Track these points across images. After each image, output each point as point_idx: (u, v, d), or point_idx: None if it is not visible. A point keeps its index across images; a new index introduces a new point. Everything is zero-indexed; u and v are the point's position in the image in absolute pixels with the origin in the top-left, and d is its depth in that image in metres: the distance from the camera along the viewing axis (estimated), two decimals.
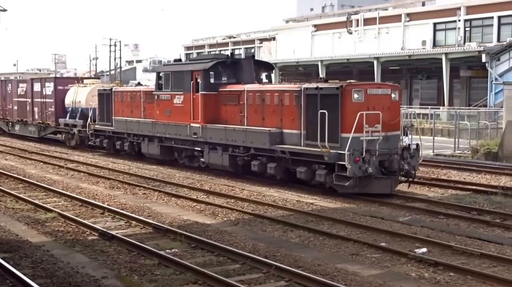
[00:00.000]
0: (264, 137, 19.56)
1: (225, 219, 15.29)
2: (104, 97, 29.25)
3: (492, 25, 48.63)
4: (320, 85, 18.26)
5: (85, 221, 14.43)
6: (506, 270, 10.90)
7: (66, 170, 24.25)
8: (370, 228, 14.05)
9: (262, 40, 72.92)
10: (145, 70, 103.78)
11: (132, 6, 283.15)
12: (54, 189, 19.28)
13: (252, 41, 74.42)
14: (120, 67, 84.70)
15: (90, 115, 29.92)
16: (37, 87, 37.19)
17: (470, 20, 50.15)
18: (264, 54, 68.23)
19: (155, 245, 12.38)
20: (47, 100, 35.90)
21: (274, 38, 68.71)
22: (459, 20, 50.11)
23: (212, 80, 22.35)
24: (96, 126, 29.80)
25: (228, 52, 77.05)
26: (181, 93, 23.21)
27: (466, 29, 50.16)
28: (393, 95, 18.09)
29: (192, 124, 22.72)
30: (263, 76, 23.38)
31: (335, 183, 17.47)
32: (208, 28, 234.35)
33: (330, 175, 17.56)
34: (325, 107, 17.60)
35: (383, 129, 17.56)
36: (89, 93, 32.03)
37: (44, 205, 16.48)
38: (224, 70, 22.60)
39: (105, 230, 13.38)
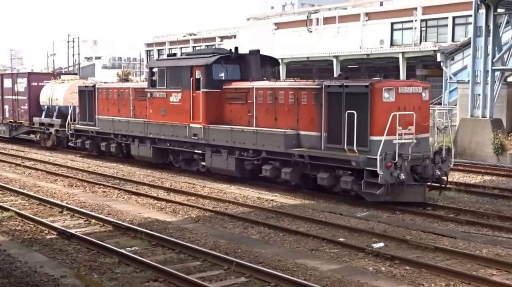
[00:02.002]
0: (279, 140, 17.87)
1: (186, 216, 15.33)
2: (86, 94, 27.01)
3: (447, 25, 49.61)
4: (346, 82, 16.65)
5: (43, 220, 14.31)
6: (459, 263, 11.22)
7: (23, 169, 23.92)
8: (329, 223, 14.28)
9: (223, 38, 72.85)
10: (105, 67, 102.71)
11: (91, 1, 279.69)
12: (11, 187, 19.02)
13: (213, 39, 74.23)
14: (79, 64, 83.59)
15: (70, 113, 27.84)
16: (7, 83, 34.66)
17: (426, 20, 51.05)
18: None
19: (115, 243, 12.36)
20: (19, 97, 33.40)
21: (235, 36, 68.77)
22: (416, 20, 50.99)
23: (214, 77, 20.39)
24: (77, 125, 27.66)
25: (189, 49, 77.11)
26: (179, 90, 21.28)
27: (422, 29, 51.06)
28: (423, 94, 16.57)
29: (191, 125, 20.88)
30: (269, 72, 21.32)
31: (364, 191, 15.85)
32: (170, 25, 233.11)
33: (358, 182, 15.99)
34: (351, 106, 16.04)
35: (416, 131, 16.15)
36: (68, 90, 29.97)
37: (0, 204, 16.23)
38: (227, 65, 20.63)
39: (64, 228, 13.30)
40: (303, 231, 13.53)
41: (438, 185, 16.89)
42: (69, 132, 28.06)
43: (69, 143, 28.93)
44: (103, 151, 26.38)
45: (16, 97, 33.78)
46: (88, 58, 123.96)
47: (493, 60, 23.32)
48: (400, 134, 15.72)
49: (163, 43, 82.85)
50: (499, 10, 23.50)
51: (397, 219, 14.97)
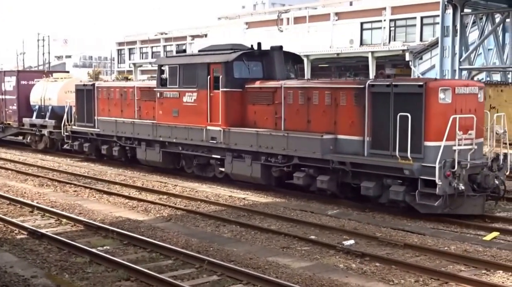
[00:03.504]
0: (314, 145, 16.23)
1: (158, 215, 15.32)
2: (84, 93, 25.12)
3: (415, 25, 50.30)
4: (395, 81, 15.28)
5: (13, 220, 14.16)
6: (428, 259, 11.41)
7: None
8: (300, 221, 14.39)
9: (194, 37, 72.72)
10: (75, 66, 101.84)
11: (61, 0, 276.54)
12: None
13: (184, 38, 74.10)
14: (49, 63, 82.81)
15: (66, 114, 25.86)
16: None
17: (395, 20, 51.69)
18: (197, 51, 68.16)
19: (87, 243, 12.30)
20: (7, 96, 31.28)
21: (206, 35, 68.72)
22: (384, 20, 51.60)
23: (236, 75, 18.69)
24: (73, 127, 25.71)
25: (160, 49, 76.88)
26: (194, 90, 19.51)
27: (391, 28, 51.68)
28: (479, 95, 15.03)
29: (209, 127, 19.12)
30: (292, 70, 19.88)
31: (419, 202, 14.30)
32: (141, 24, 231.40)
33: (411, 193, 14.48)
34: (401, 108, 14.50)
35: (476, 136, 14.69)
36: (62, 89, 28.05)
37: None
38: (249, 63, 18.98)
39: (34, 228, 13.19)
40: (274, 229, 13.62)
41: (494, 195, 15.08)
42: (65, 134, 26.11)
43: (65, 146, 27.39)
44: (103, 154, 24.55)
45: (3, 96, 31.63)
46: (59, 57, 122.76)
47: (460, 60, 23.70)
48: (460, 139, 14.21)
49: (134, 42, 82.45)
50: (465, 10, 23.88)
51: (367, 217, 15.14)
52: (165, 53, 74.70)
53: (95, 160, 25.82)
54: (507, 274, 10.47)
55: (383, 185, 15.09)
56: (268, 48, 19.15)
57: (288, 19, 59.70)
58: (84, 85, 25.89)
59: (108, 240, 12.66)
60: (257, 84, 18.50)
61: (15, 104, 30.78)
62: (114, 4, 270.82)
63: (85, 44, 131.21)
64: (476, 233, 13.38)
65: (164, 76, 20.94)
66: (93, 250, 11.58)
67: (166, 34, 78.30)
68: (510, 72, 25.40)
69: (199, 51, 20.72)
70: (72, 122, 25.93)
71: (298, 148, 16.68)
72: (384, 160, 14.84)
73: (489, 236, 13.04)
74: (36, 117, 29.36)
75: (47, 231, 13.11)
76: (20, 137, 32.12)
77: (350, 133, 15.82)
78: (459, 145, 14.17)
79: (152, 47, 76.32)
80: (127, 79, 27.60)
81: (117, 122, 23.19)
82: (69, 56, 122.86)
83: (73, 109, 25.95)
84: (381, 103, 15.05)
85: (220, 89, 18.69)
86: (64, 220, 14.40)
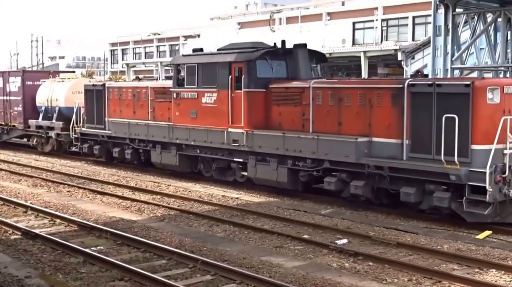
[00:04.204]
0: (348, 148, 15.34)
1: (151, 215, 15.33)
2: (94, 94, 24.24)
3: (407, 25, 50.47)
4: (438, 80, 14.47)
5: (7, 220, 14.15)
6: (421, 258, 11.46)
7: None
8: (293, 221, 14.44)
9: (187, 37, 72.67)
10: (68, 66, 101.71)
11: (54, 1, 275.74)
12: None
13: (177, 38, 74.04)
14: (42, 63, 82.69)
15: (75, 115, 25.13)
16: None
17: (387, 20, 51.83)
18: (189, 51, 68.17)
19: (80, 243, 12.30)
20: (11, 97, 30.32)
21: (199, 35, 68.69)
22: (377, 20, 51.73)
23: (259, 74, 17.92)
24: (83, 129, 24.81)
25: (153, 49, 76.78)
26: (214, 90, 18.68)
27: (383, 28, 51.83)
28: None
29: (230, 129, 18.32)
30: (316, 69, 19.03)
31: (467, 210, 13.42)
32: (134, 24, 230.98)
33: (457, 200, 13.60)
34: (445, 109, 13.68)
35: None
36: (70, 89, 27.20)
37: None
38: (273, 61, 18.23)
39: (28, 229, 13.19)
40: (268, 229, 13.66)
41: None
42: (74, 136, 25.20)
43: (73, 148, 26.38)
44: (114, 157, 23.70)
45: (7, 97, 30.66)
46: (52, 58, 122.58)
47: (452, 59, 23.75)
48: (511, 142, 13.37)
49: (127, 43, 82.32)
50: (457, 10, 23.93)
51: (360, 216, 15.19)
52: (158, 53, 74.66)
53: (88, 160, 25.75)
54: (500, 272, 10.53)
55: (425, 191, 14.20)
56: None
57: (280, 19, 59.77)
58: (93, 85, 24.94)
59: (101, 240, 12.66)
60: (283, 84, 17.71)
61: (20, 105, 29.89)
62: (107, 5, 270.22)
63: (78, 44, 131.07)
64: (468, 232, 13.44)
65: (181, 76, 20.07)
66: (87, 250, 11.59)
67: (159, 34, 78.21)
68: (502, 72, 25.49)
69: (217, 49, 19.86)
70: (81, 124, 25.08)
71: (329, 152, 15.80)
72: (427, 164, 13.93)
73: (481, 235, 13.11)
74: (43, 119, 28.47)
75: (41, 232, 13.10)
76: (25, 139, 31.30)
77: (387, 135, 14.97)
78: (510, 148, 13.35)
79: (145, 47, 76.21)
80: (138, 78, 26.64)
81: (130, 124, 22.28)
82: (63, 57, 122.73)
83: (82, 110, 25.11)
84: (422, 104, 14.20)
85: (243, 90, 17.87)
86: (57, 220, 14.39)
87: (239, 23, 65.28)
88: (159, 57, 70.56)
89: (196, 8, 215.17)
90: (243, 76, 17.86)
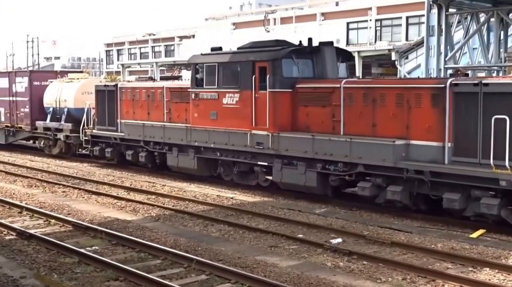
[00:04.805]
0: (385, 151, 14.54)
1: (146, 215, 15.35)
2: (106, 95, 23.40)
3: (400, 25, 50.62)
4: (484, 79, 13.70)
5: (2, 221, 14.14)
6: (415, 257, 11.51)
7: None
8: (288, 220, 14.47)
9: (182, 38, 72.68)
10: (64, 67, 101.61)
11: (50, 1, 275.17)
12: None
13: (172, 39, 74.01)
14: (38, 64, 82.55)
15: (85, 116, 24.33)
16: (3, 82, 30.62)
17: (381, 20, 51.97)
18: (184, 52, 68.14)
19: (75, 243, 12.31)
20: (18, 98, 29.45)
21: (194, 36, 68.71)
22: (370, 20, 51.85)
23: (285, 74, 17.15)
24: (94, 131, 24.01)
25: (148, 50, 76.72)
26: (236, 90, 17.91)
27: (377, 28, 51.95)
28: None
29: (254, 131, 17.54)
30: (343, 67, 18.33)
31: None
32: (129, 25, 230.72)
33: (508, 207, 12.92)
34: (493, 110, 12.89)
35: None
36: (79, 90, 26.40)
37: None
38: (299, 60, 17.46)
39: (23, 229, 13.19)
40: (262, 228, 13.69)
41: None
42: (84, 138, 24.39)
43: (83, 151, 25.48)
44: (127, 160, 22.81)
45: (14, 98, 29.74)
46: (48, 58, 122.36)
47: (446, 59, 23.81)
48: None
49: (123, 43, 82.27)
50: (450, 10, 23.99)
51: (354, 215, 15.23)
52: (153, 54, 74.62)
53: (83, 160, 25.69)
54: (494, 271, 10.58)
55: (469, 196, 13.44)
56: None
57: (274, 19, 59.87)
58: (105, 85, 24.04)
59: (96, 240, 12.67)
60: (310, 84, 16.94)
61: (27, 107, 29.02)
62: (102, 6, 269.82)
63: (73, 45, 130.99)
64: (462, 231, 13.49)
65: (199, 75, 19.21)
66: (82, 250, 11.59)
67: (154, 35, 78.15)
68: (495, 71, 25.59)
69: (238, 48, 19.15)
70: (91, 126, 24.32)
71: (364, 155, 14.99)
72: (474, 169, 13.16)
73: (475, 234, 13.15)
74: (51, 120, 27.58)
75: (35, 232, 13.10)
76: (31, 142, 30.67)
77: (427, 138, 14.18)
78: None
79: (140, 48, 76.17)
80: (152, 79, 25.82)
81: (145, 126, 21.39)
82: (58, 58, 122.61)
83: (92, 112, 24.41)
84: (466, 105, 13.42)
85: (268, 90, 17.10)
86: (52, 221, 14.40)
87: (233, 24, 65.33)
88: (154, 57, 70.54)
89: (191, 9, 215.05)
90: (267, 76, 17.12)
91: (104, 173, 22.43)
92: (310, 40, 17.86)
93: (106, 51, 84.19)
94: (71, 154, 26.92)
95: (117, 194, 18.10)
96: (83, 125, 24.44)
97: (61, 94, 27.14)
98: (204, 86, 18.93)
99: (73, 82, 27.42)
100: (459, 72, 15.07)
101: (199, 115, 19.19)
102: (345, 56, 18.63)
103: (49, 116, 27.71)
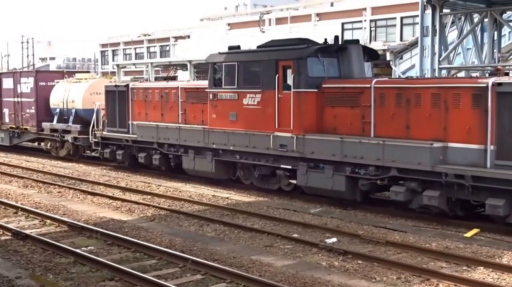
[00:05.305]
0: (421, 154, 13.78)
1: (142, 215, 15.36)
2: (116, 95, 22.62)
3: (395, 25, 50.77)
4: None
5: None
6: (410, 256, 11.57)
7: None
8: (283, 220, 14.51)
9: (177, 38, 72.68)
10: (59, 67, 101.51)
11: (45, 2, 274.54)
12: None
13: (167, 39, 73.99)
14: (33, 65, 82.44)
15: (95, 117, 23.74)
16: (7, 83, 29.94)
17: (375, 21, 52.10)
18: (179, 52, 68.16)
19: (71, 243, 12.33)
20: (23, 99, 28.70)
21: (189, 36, 68.72)
22: (365, 21, 51.97)
23: (310, 73, 16.38)
24: (104, 133, 23.36)
25: (143, 50, 76.68)
26: (258, 91, 17.19)
27: (372, 29, 52.08)
28: None
29: (277, 133, 16.81)
30: (369, 67, 17.64)
31: None
32: (124, 25, 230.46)
33: None
34: None
35: None
36: (87, 90, 25.66)
37: None
38: (325, 59, 16.70)
39: (18, 229, 13.19)
40: (257, 228, 13.73)
41: None
42: (93, 140, 23.74)
43: (92, 153, 24.93)
44: (140, 163, 22.05)
45: (19, 99, 29.01)
46: (43, 59, 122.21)
47: (440, 59, 23.88)
48: None
49: (118, 44, 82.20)
50: (444, 10, 24.06)
51: (349, 215, 15.28)
52: (148, 54, 74.58)
53: (79, 161, 25.67)
54: (488, 270, 10.63)
55: None
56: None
57: (270, 20, 59.93)
58: (115, 85, 23.39)
59: (92, 240, 12.69)
60: (338, 83, 16.22)
61: (33, 108, 28.17)
62: (97, 6, 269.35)
63: (68, 46, 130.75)
64: (457, 230, 13.54)
65: (217, 75, 18.48)
66: (77, 250, 11.61)
67: (149, 35, 78.12)
68: (489, 71, 25.71)
69: (257, 47, 18.43)
70: (101, 127, 23.70)
71: (398, 158, 14.23)
72: None
73: (469, 233, 13.21)
74: (58, 122, 26.81)
75: (31, 232, 13.11)
76: (36, 143, 30.09)
77: (466, 140, 13.43)
78: None
79: (135, 48, 76.13)
80: (167, 78, 24.64)
81: (159, 127, 20.58)
82: (53, 58, 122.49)
83: (101, 113, 23.72)
84: (511, 105, 12.73)
85: (292, 90, 16.38)
86: (48, 221, 14.40)
87: (229, 24, 65.37)
88: (150, 58, 70.49)
89: (186, 9, 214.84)
90: (292, 75, 16.42)
91: (99, 173, 22.45)
92: (336, 38, 17.39)
93: (101, 51, 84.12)
94: (79, 156, 26.32)
95: (113, 194, 18.11)
96: (92, 127, 23.86)
97: (68, 95, 26.43)
98: (223, 86, 18.21)
99: (81, 82, 26.72)
100: (498, 71, 14.22)
101: (217, 116, 18.48)
102: (370, 54, 17.89)
103: (56, 117, 27.03)
